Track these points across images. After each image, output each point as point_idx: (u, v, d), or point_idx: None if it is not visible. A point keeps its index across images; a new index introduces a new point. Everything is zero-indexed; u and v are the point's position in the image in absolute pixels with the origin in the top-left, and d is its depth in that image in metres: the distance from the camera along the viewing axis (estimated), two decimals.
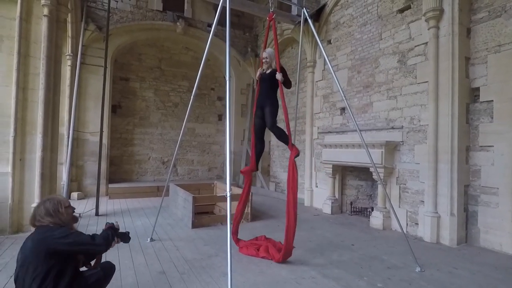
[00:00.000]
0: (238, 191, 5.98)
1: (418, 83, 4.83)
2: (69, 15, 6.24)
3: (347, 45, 6.30)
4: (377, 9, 5.64)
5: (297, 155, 3.56)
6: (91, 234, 1.95)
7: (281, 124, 3.83)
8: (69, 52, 6.95)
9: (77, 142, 7.40)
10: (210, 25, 8.92)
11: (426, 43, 4.66)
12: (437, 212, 4.39)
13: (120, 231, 2.10)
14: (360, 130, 3.88)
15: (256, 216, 5.72)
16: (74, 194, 7.09)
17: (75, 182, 7.38)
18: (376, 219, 5.17)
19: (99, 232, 2.04)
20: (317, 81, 7.10)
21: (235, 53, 9.55)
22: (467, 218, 4.34)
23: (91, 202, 6.34)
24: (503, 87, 4.00)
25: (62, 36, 4.90)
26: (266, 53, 3.80)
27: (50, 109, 4.50)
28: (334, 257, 3.68)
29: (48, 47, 4.40)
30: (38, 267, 1.71)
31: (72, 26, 6.83)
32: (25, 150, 4.32)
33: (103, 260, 2.20)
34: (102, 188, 7.18)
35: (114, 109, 8.43)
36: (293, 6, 7.45)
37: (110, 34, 6.99)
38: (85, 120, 7.57)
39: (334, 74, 3.85)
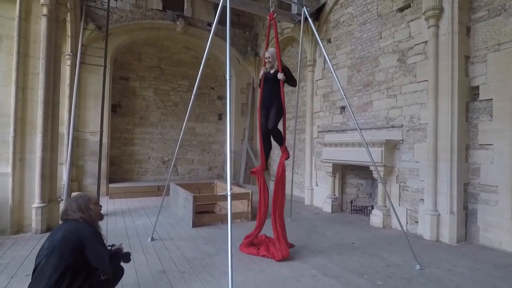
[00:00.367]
0: (239, 190, 6.01)
1: (417, 82, 4.83)
2: (69, 14, 6.23)
3: (347, 44, 6.30)
4: (377, 8, 5.64)
5: (287, 158, 3.83)
6: (109, 250, 2.02)
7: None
8: (69, 51, 6.94)
9: (77, 142, 7.40)
10: (210, 24, 8.92)
11: (426, 41, 4.67)
12: (436, 210, 4.40)
13: (124, 251, 2.19)
14: (360, 129, 3.89)
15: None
16: (75, 194, 7.08)
17: (76, 182, 7.39)
18: (376, 218, 5.18)
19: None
20: (317, 80, 7.11)
21: (235, 52, 9.54)
22: (466, 216, 4.36)
23: None
24: (502, 86, 4.00)
25: (61, 36, 4.88)
26: (269, 53, 3.84)
27: (50, 108, 4.49)
28: (334, 255, 3.69)
29: (48, 47, 4.40)
30: (63, 258, 1.78)
31: (72, 25, 6.81)
32: (25, 150, 4.32)
33: None
34: (103, 188, 7.20)
35: (114, 108, 8.43)
36: (293, 5, 7.44)
37: (110, 34, 6.99)
38: (85, 120, 7.57)
39: (334, 73, 3.86)
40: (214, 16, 3.78)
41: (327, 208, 6.31)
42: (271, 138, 3.96)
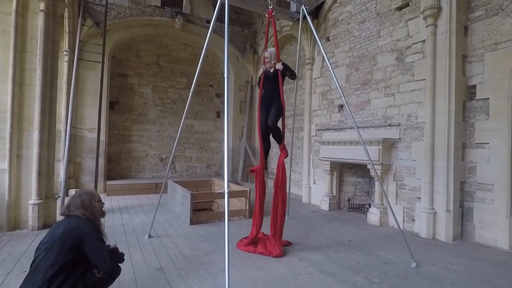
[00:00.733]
0: (236, 188, 6.01)
1: (415, 81, 4.85)
2: (66, 10, 6.17)
3: (346, 43, 6.30)
4: (375, 7, 5.64)
5: (286, 156, 3.88)
6: (109, 247, 2.02)
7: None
8: (66, 47, 6.88)
9: (75, 139, 7.36)
10: (208, 21, 8.87)
11: (424, 40, 4.68)
12: (433, 209, 4.43)
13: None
14: (358, 127, 3.91)
15: None
16: (72, 191, 7.07)
17: (73, 179, 7.36)
18: (373, 216, 5.21)
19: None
20: (315, 78, 7.11)
21: (233, 50, 9.52)
22: (462, 214, 4.39)
23: None
24: (499, 85, 4.03)
25: (59, 32, 4.84)
26: (268, 52, 3.85)
27: (47, 105, 4.46)
28: (332, 253, 3.71)
29: (45, 42, 4.37)
30: (61, 254, 1.79)
31: (69, 21, 6.76)
32: (22, 147, 4.30)
33: None
34: (100, 185, 7.19)
35: (111, 105, 8.39)
36: (292, 3, 7.43)
37: (108, 30, 6.94)
38: (83, 117, 7.54)
39: (333, 71, 3.86)
40: (213, 13, 3.77)
41: (325, 206, 6.33)
42: (270, 137, 3.98)
